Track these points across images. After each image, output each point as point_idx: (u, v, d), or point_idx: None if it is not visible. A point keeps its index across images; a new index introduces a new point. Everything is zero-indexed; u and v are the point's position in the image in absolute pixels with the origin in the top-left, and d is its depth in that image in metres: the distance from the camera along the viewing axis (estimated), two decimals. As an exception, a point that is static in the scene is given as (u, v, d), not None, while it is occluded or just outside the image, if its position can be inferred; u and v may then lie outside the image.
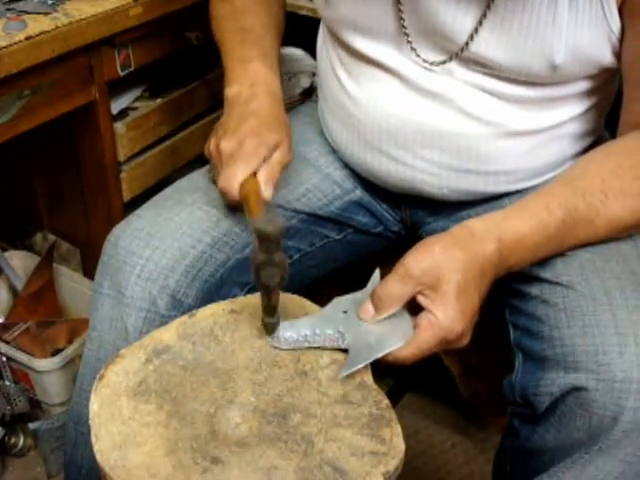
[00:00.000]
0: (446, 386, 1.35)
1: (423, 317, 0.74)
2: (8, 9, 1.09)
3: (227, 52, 1.00)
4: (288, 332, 0.75)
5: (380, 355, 0.73)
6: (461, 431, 1.47)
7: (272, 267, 0.69)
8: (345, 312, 0.77)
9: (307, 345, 0.75)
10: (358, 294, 0.79)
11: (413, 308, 0.76)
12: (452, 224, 0.98)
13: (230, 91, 0.95)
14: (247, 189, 0.83)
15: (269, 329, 0.75)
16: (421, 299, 0.74)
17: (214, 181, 0.94)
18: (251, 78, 0.95)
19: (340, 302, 0.78)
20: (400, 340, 0.73)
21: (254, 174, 0.85)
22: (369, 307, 0.76)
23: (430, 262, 0.75)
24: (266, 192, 0.84)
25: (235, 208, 0.94)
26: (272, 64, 0.98)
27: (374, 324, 0.75)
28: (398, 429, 0.67)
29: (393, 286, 0.75)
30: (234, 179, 0.84)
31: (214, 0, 1.07)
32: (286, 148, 0.90)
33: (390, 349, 0.73)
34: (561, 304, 0.82)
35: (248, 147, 0.85)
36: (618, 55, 0.84)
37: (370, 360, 0.73)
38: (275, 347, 0.75)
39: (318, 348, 0.75)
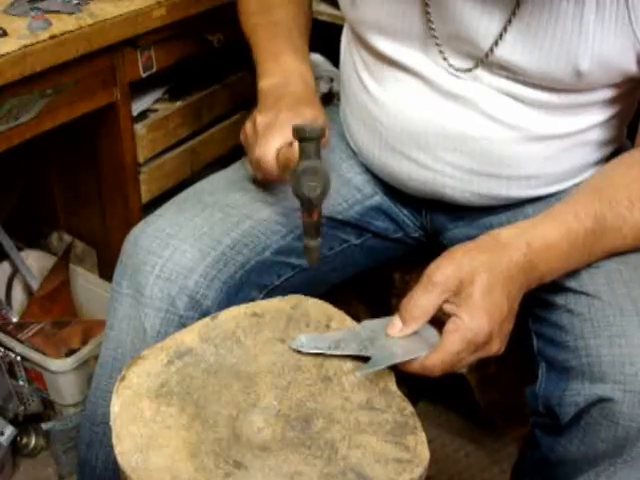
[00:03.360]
0: (460, 395, 1.34)
1: (449, 322, 0.73)
2: (32, 8, 1.09)
3: (258, 46, 1.01)
4: (312, 342, 0.74)
5: (404, 359, 0.71)
6: (475, 441, 1.46)
7: (313, 175, 0.68)
8: (373, 331, 0.75)
9: (329, 353, 0.74)
10: (388, 318, 0.77)
11: (441, 326, 0.74)
12: (473, 231, 0.99)
13: (264, 83, 0.96)
14: (285, 156, 0.83)
15: (311, 254, 0.73)
16: (447, 307, 0.73)
17: (252, 176, 0.94)
18: (284, 70, 0.96)
19: (369, 324, 0.77)
20: (427, 350, 0.72)
21: (290, 145, 0.84)
22: (397, 322, 0.74)
23: (453, 268, 0.74)
24: None
25: (257, 209, 0.94)
26: (304, 58, 0.99)
27: (401, 339, 0.73)
28: (423, 437, 0.66)
29: (418, 296, 0.74)
30: (270, 147, 0.84)
31: None
32: (322, 124, 0.89)
33: (415, 355, 0.71)
34: (587, 314, 0.81)
35: (284, 118, 0.86)
36: (642, 63, 0.84)
37: (393, 362, 0.71)
38: (296, 351, 0.74)
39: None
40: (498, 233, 0.79)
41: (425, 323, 0.74)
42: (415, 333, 0.73)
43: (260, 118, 0.88)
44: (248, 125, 0.90)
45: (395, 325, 0.74)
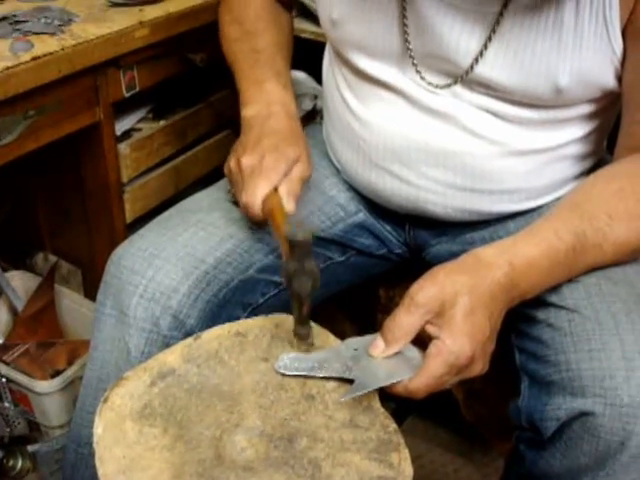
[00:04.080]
0: (449, 410, 1.34)
1: (431, 345, 0.72)
2: (15, 29, 1.09)
3: (241, 73, 1.01)
4: (295, 363, 0.74)
5: (387, 383, 0.71)
6: (464, 455, 1.46)
7: (304, 276, 0.71)
8: (356, 350, 0.75)
9: (313, 374, 0.74)
10: (371, 336, 0.76)
11: (425, 346, 0.74)
12: (456, 247, 0.99)
13: (247, 112, 0.96)
14: (270, 204, 0.85)
15: (301, 338, 0.75)
16: (430, 329, 0.73)
17: (234, 201, 0.95)
18: (267, 98, 0.96)
19: (352, 342, 0.77)
20: (410, 372, 0.72)
21: (275, 189, 0.86)
22: (379, 342, 0.74)
23: (435, 289, 0.74)
24: (288, 206, 0.85)
25: (240, 227, 0.95)
26: (286, 84, 1.00)
27: (384, 360, 0.73)
28: (406, 453, 0.66)
29: (401, 317, 0.73)
30: (256, 194, 0.85)
31: (224, 21, 1.09)
32: (305, 162, 0.91)
33: (398, 379, 0.71)
34: (567, 328, 0.81)
35: (268, 162, 0.87)
36: (620, 78, 0.85)
37: (375, 387, 0.71)
38: (280, 374, 0.74)
39: None
40: (480, 252, 0.79)
41: (407, 343, 0.74)
42: (398, 353, 0.73)
43: (245, 160, 0.88)
44: (232, 163, 0.90)
45: (377, 346, 0.74)
